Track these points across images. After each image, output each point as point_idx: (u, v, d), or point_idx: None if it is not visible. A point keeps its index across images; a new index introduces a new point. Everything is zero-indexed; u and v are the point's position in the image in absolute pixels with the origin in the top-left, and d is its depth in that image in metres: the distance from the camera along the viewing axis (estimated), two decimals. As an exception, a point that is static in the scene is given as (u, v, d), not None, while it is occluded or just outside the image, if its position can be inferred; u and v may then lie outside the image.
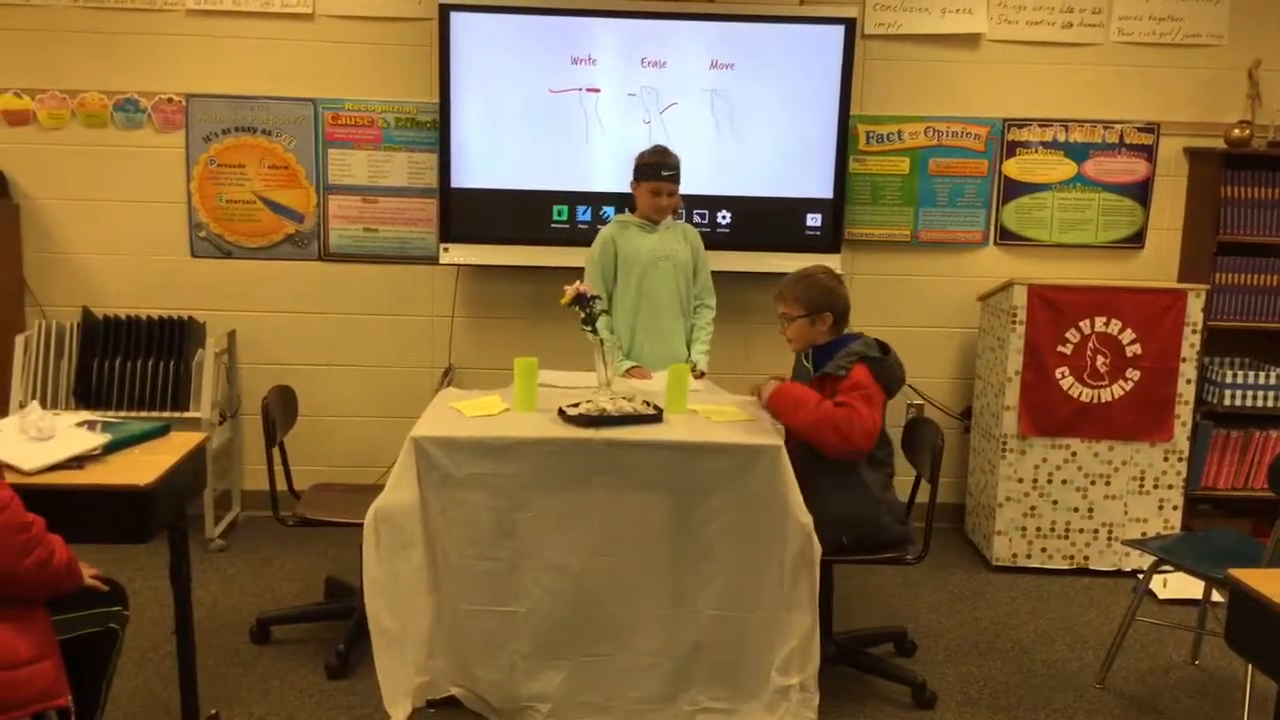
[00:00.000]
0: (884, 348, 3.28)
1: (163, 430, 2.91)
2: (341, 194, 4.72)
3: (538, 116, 4.54)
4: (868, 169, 4.77)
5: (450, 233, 4.61)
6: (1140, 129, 4.77)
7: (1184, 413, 4.38)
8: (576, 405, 3.18)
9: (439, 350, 4.83)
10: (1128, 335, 4.33)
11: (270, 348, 4.79)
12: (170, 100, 4.62)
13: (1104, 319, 4.32)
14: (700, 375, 3.92)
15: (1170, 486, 4.42)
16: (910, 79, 4.72)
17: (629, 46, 4.51)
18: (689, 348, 4.08)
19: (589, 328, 3.42)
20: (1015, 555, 4.46)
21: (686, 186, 4.11)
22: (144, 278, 4.71)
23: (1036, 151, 4.78)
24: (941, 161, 4.77)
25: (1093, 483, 4.41)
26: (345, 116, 4.66)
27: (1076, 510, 4.43)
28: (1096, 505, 4.43)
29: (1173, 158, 4.80)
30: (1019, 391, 4.36)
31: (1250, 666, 3.02)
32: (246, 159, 4.68)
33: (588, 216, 4.60)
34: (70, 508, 2.47)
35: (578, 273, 3.95)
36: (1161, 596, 4.19)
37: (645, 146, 4.05)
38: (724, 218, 4.63)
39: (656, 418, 3.18)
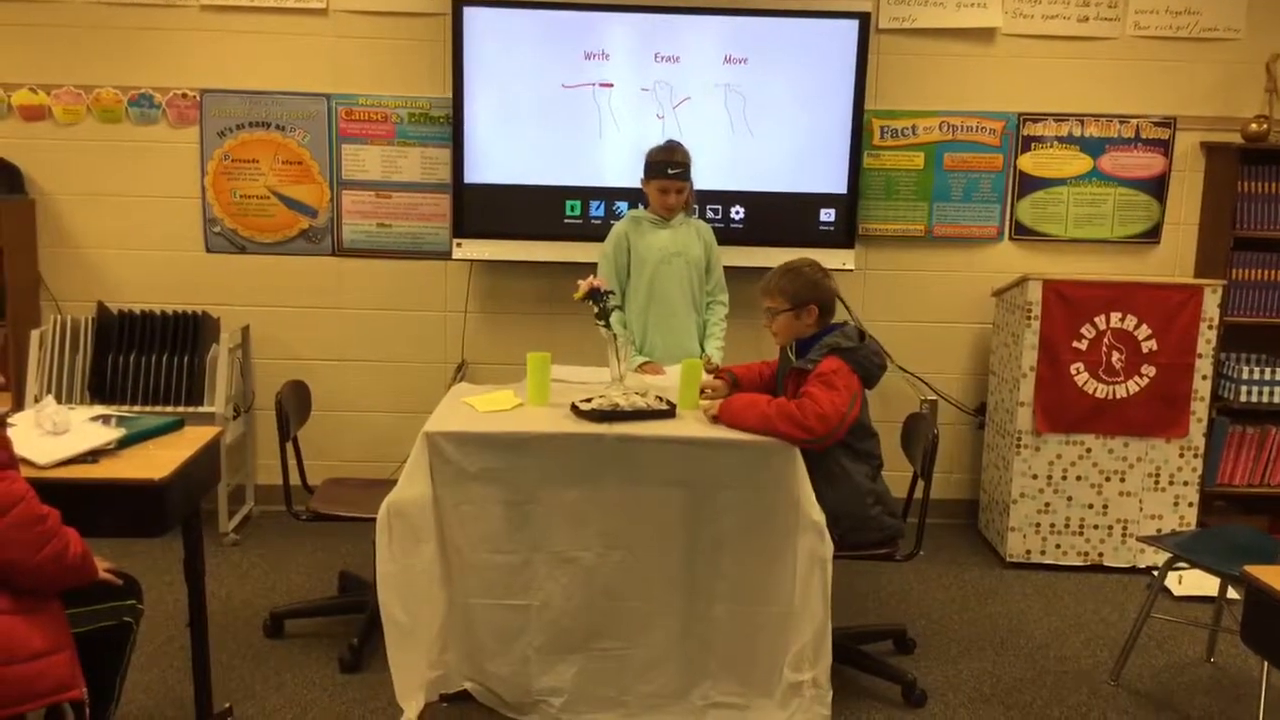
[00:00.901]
0: (861, 335, 3.25)
1: (177, 425, 2.92)
2: (355, 189, 4.73)
3: (551, 111, 4.53)
4: (882, 164, 4.75)
5: (463, 228, 4.61)
6: (1156, 123, 4.74)
7: (1200, 409, 4.35)
8: (589, 400, 3.18)
9: (452, 345, 4.83)
10: (1143, 331, 4.30)
11: (284, 343, 4.80)
12: (184, 96, 4.63)
13: (1119, 314, 4.30)
14: (714, 369, 3.91)
15: (1186, 483, 4.40)
16: (925, 73, 4.69)
17: (642, 41, 4.50)
18: (702, 344, 4.08)
19: (602, 322, 3.42)
20: (1029, 551, 4.45)
21: (699, 182, 4.10)
22: (158, 273, 4.73)
23: (1052, 146, 4.76)
24: (956, 156, 4.75)
25: (1107, 479, 4.39)
26: (359, 112, 4.67)
27: (1091, 506, 4.41)
28: (1111, 501, 4.40)
29: (1189, 152, 4.76)
30: (1034, 387, 4.34)
31: (1266, 664, 2.99)
32: (260, 154, 4.69)
33: (601, 212, 4.59)
34: (85, 502, 2.48)
35: (591, 268, 3.95)
36: (1177, 593, 4.16)
37: (658, 142, 4.04)
38: (737, 213, 4.62)
39: (669, 413, 3.18)
